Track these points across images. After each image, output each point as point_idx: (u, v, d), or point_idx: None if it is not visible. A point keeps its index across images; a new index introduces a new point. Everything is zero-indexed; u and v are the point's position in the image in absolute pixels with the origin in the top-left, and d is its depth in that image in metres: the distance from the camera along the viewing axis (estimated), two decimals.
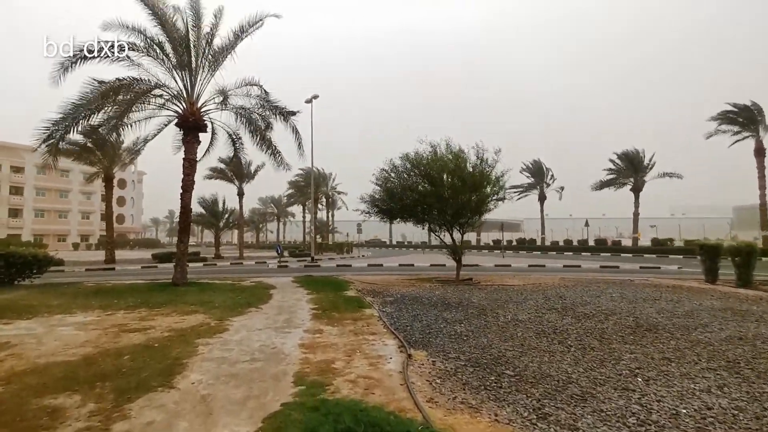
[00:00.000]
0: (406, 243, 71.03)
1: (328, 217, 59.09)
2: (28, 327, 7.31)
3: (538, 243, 47.17)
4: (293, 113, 14.85)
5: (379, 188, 15.59)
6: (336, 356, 5.36)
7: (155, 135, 15.83)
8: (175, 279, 13.32)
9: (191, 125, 13.84)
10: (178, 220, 15.01)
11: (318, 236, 55.26)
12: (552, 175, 45.51)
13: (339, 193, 54.67)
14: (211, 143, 16.95)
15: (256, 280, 15.47)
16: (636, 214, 36.69)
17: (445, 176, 14.19)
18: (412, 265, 25.34)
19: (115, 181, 30.97)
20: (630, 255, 33.78)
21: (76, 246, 65.51)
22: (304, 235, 62.10)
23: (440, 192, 13.86)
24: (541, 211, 46.86)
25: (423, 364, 5.07)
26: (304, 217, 62.38)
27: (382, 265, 25.44)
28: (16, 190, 62.43)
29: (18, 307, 9.17)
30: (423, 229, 16.16)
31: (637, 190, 36.61)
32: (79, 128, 12.94)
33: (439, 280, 15.13)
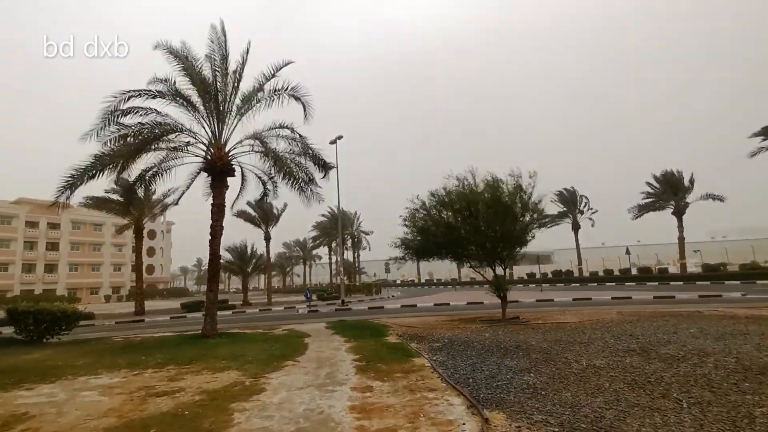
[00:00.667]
0: (435, 281, 69.27)
1: (354, 257, 58.46)
2: (51, 393, 6.67)
3: (576, 274, 44.99)
4: (331, 167, 14.58)
5: (408, 228, 14.93)
6: (396, 423, 4.46)
7: (189, 186, 15.76)
8: (205, 331, 12.66)
9: (219, 170, 13.63)
10: (206, 267, 14.58)
11: (345, 277, 54.55)
12: (587, 203, 43.92)
13: (364, 233, 54.30)
14: (242, 188, 16.75)
15: (287, 328, 14.68)
16: (681, 239, 34.61)
17: (480, 207, 13.41)
18: (448, 304, 24.11)
19: (144, 232, 31.36)
20: (680, 283, 31.54)
21: (107, 298, 66.56)
22: (331, 277, 61.46)
23: (477, 225, 13.05)
24: (576, 240, 45.00)
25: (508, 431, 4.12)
26: (330, 258, 62.06)
27: (416, 305, 24.30)
28: (52, 246, 64.51)
29: (43, 369, 8.62)
30: (465, 266, 15.22)
31: (679, 213, 34.74)
32: (103, 177, 12.84)
33: (483, 321, 14.00)
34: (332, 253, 62.02)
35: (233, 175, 14.21)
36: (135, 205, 28.05)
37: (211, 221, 13.49)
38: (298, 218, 55.16)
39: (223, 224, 13.87)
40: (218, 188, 13.64)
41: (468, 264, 14.59)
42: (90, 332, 17.60)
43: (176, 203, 19.65)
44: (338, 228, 37.68)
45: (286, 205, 36.29)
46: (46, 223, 63.79)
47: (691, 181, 34.47)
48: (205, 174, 14.31)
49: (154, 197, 29.45)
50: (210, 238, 13.40)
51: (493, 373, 6.54)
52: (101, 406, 5.76)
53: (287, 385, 6.38)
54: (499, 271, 14.36)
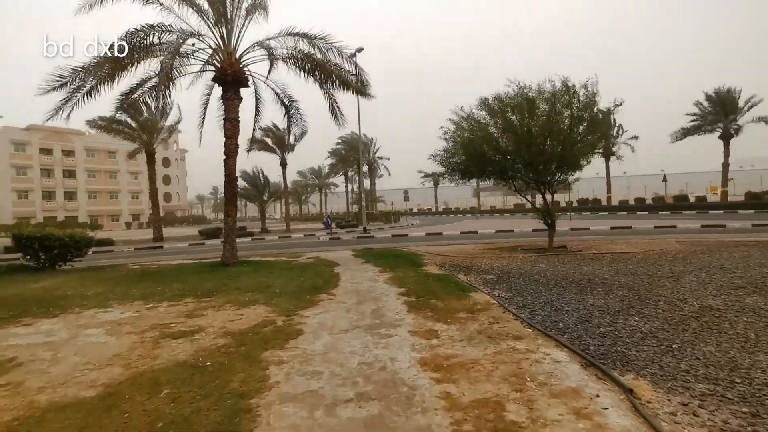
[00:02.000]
0: (453, 210, 68.20)
1: (371, 185, 56.98)
2: (50, 330, 5.66)
3: (604, 203, 43.19)
4: (359, 50, 12.50)
5: (449, 144, 13.15)
6: (497, 391, 3.20)
7: (204, 107, 14.02)
8: (225, 258, 11.67)
9: (231, 79, 11.82)
10: (222, 195, 13.28)
11: (359, 206, 53.63)
12: (620, 128, 40.64)
13: (381, 158, 52.27)
14: (257, 112, 14.93)
15: (312, 256, 13.67)
16: (726, 165, 32.02)
17: (540, 119, 11.50)
18: (476, 232, 22.91)
19: (159, 159, 30.20)
20: (721, 211, 29.64)
21: (128, 225, 67.56)
22: (348, 205, 60.77)
23: (533, 140, 11.25)
24: (607, 167, 42.43)
25: (673, 413, 2.81)
26: (347, 186, 60.85)
27: (441, 233, 23.19)
28: (69, 173, 64.35)
29: (49, 300, 7.69)
30: (509, 189, 13.58)
31: (727, 137, 31.80)
32: (103, 92, 11.22)
33: (527, 250, 12.73)
34: (348, 181, 60.71)
35: (247, 85, 12.40)
36: (144, 128, 26.57)
37: (225, 138, 11.94)
38: (313, 145, 53.27)
39: (238, 143, 12.35)
40: (231, 101, 11.91)
41: (513, 187, 12.99)
42: (107, 259, 16.99)
43: (179, 122, 18.01)
44: (358, 153, 35.86)
45: (305, 130, 34.27)
46: (61, 151, 63.11)
47: (749, 102, 30.95)
48: (218, 95, 12.49)
49: (166, 123, 27.87)
50: (225, 157, 11.95)
51: (585, 316, 5.24)
52: (106, 350, 4.68)
53: (329, 326, 5.20)
54: (545, 197, 12.78)
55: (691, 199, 34.59)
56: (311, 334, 4.90)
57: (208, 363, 4.08)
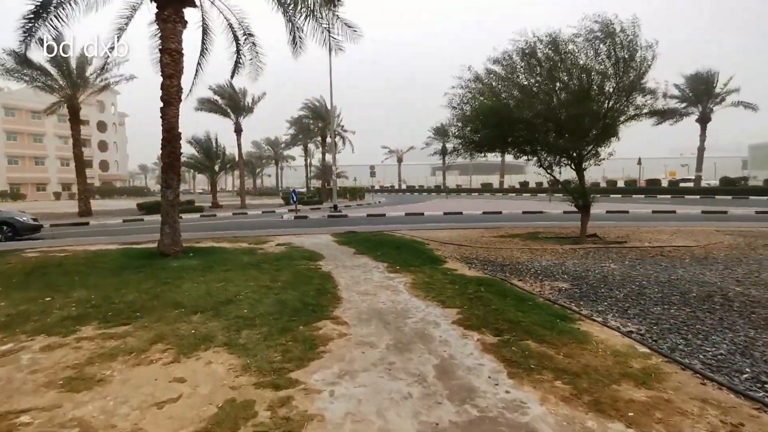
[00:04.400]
0: (417, 188, 66.11)
1: (333, 159, 53.20)
2: None
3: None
4: None
5: (458, 112, 10.54)
6: None
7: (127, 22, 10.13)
8: (163, 246, 8.42)
9: None
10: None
11: (322, 181, 49.93)
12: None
13: (346, 131, 48.51)
14: (203, 47, 11.37)
15: (283, 242, 10.63)
16: (701, 149, 31.52)
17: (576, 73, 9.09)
18: (461, 213, 20.56)
19: (93, 123, 25.27)
20: (697, 197, 29.17)
21: (57, 195, 60.03)
22: (308, 181, 56.81)
23: (569, 101, 8.84)
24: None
25: None
26: (306, 159, 56.74)
27: (423, 214, 20.60)
28: None
29: None
30: (532, 164, 11.08)
31: (705, 120, 31.19)
32: None
33: (552, 238, 10.45)
34: (308, 155, 56.61)
35: (193, 3, 8.90)
36: (63, 73, 21.71)
37: (162, 78, 8.49)
38: (270, 112, 48.67)
39: (182, 113, 8.86)
40: (170, 24, 8.40)
41: (539, 162, 10.56)
42: (4, 240, 12.98)
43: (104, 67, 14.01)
44: (322, 121, 32.30)
45: (264, 93, 30.36)
46: None
47: (726, 86, 30.33)
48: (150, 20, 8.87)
49: (93, 70, 22.95)
50: (162, 105, 8.52)
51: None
52: None
53: (375, 430, 2.40)
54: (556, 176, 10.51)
55: (663, 183, 34.13)
56: None
57: None
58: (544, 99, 9.25)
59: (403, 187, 70.24)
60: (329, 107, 30.67)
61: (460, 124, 10.20)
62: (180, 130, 8.82)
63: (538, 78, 9.40)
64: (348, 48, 10.66)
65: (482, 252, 8.67)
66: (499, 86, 9.63)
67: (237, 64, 11.89)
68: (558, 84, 9.23)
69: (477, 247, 9.37)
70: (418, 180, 73.41)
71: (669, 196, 30.91)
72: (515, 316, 4.30)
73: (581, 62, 9.05)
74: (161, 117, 8.56)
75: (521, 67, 9.44)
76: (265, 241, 10.94)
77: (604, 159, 10.65)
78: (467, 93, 10.06)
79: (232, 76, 12.60)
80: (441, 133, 61.15)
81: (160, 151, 8.76)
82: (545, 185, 45.63)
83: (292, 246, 9.83)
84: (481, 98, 9.71)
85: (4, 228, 13.11)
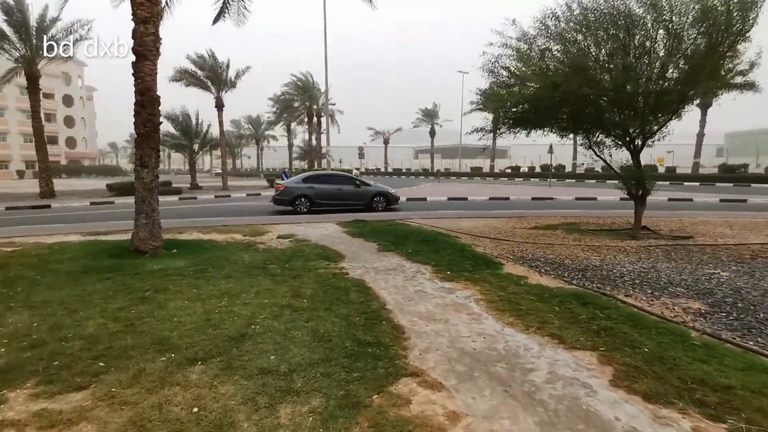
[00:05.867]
0: (404, 170, 64.49)
1: (317, 139, 50.88)
2: None
3: (568, 170, 41.72)
4: None
5: (493, 79, 8.94)
6: None
7: None
8: (139, 242, 6.63)
9: None
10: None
11: (305, 163, 47.69)
12: None
13: (334, 105, 46.07)
14: None
15: (283, 232, 8.93)
16: (701, 135, 30.79)
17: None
18: (465, 198, 19.06)
19: (59, 96, 22.49)
20: (696, 184, 28.51)
21: (21, 174, 55.91)
22: (290, 162, 54.37)
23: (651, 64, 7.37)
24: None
25: None
26: (289, 140, 54.18)
27: (425, 199, 19.05)
28: None
29: None
30: (591, 146, 9.49)
31: (706, 105, 30.37)
32: None
33: (599, 232, 9.05)
34: (291, 135, 54.04)
35: None
36: (20, 36, 19.05)
37: (134, 23, 6.56)
38: (253, 92, 45.93)
39: (159, 83, 6.97)
40: None
41: (587, 143, 9.09)
42: None
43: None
44: (308, 99, 30.06)
45: (248, 67, 28.06)
46: None
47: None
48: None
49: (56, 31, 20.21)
50: (135, 59, 6.61)
51: None
52: None
53: None
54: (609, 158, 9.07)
55: (661, 170, 33.41)
56: None
57: None
58: (616, 70, 7.71)
59: (390, 170, 68.40)
60: (320, 82, 28.50)
61: (504, 92, 8.51)
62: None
63: (612, 44, 7.79)
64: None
65: (533, 249, 7.20)
66: (571, 55, 7.98)
67: (225, 7, 10.05)
68: (634, 52, 7.67)
69: (520, 242, 7.89)
70: (403, 163, 71.87)
71: (668, 183, 30.19)
72: (696, 369, 2.80)
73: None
74: (134, 75, 6.66)
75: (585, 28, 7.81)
76: (262, 231, 9.20)
77: (666, 135, 9.24)
78: (513, 53, 8.39)
79: (214, 22, 10.77)
80: (430, 114, 59.89)
81: (133, 120, 6.88)
82: (538, 170, 44.75)
83: (298, 239, 8.14)
84: (532, 66, 8.10)
85: None
